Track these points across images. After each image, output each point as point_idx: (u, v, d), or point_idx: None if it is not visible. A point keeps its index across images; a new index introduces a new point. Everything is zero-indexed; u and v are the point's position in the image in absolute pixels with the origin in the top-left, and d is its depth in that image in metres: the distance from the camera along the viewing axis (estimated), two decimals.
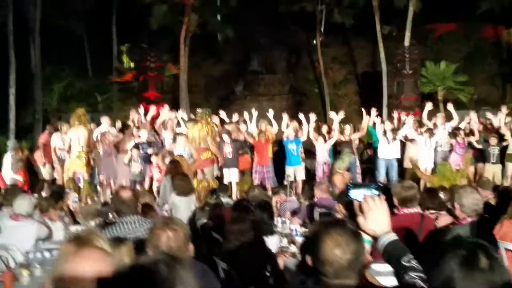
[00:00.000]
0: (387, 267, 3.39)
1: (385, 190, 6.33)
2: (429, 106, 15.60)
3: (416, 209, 5.23)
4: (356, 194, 2.77)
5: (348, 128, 14.86)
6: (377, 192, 2.73)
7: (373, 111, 15.46)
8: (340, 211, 7.39)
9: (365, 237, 2.69)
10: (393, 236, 2.62)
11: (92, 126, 14.57)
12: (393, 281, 3.99)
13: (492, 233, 5.16)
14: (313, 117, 14.97)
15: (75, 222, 9.16)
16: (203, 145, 13.37)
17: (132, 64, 26.36)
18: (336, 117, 14.86)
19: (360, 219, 2.67)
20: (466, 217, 4.89)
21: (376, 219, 2.64)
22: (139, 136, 14.37)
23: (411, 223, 5.01)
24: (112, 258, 2.40)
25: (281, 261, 5.27)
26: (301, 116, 15.07)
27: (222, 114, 15.90)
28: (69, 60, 24.16)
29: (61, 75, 23.53)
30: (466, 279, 2.02)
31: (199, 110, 14.13)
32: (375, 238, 2.71)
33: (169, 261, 1.95)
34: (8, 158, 14.72)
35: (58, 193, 9.04)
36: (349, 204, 7.33)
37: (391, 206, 6.14)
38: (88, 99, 23.81)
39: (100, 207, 10.68)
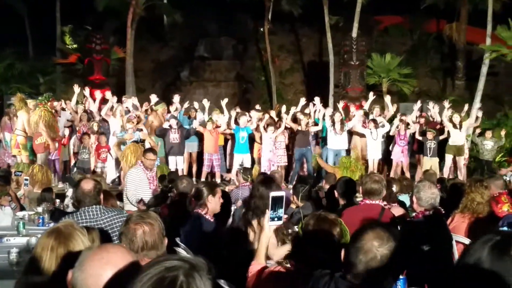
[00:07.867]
0: None
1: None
2: (371, 96, 16.31)
3: (379, 202, 5.34)
4: None
5: (303, 118, 14.87)
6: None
7: (317, 100, 15.86)
8: (294, 202, 7.50)
9: None
10: None
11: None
12: None
13: (446, 225, 5.33)
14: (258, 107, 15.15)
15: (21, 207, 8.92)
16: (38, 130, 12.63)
17: (75, 46, 25.76)
18: (286, 115, 15.04)
19: None
20: (423, 210, 5.03)
21: None
22: None
23: (371, 213, 5.14)
24: None
25: None
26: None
27: (176, 99, 15.67)
28: (10, 41, 23.38)
29: (1, 56, 22.73)
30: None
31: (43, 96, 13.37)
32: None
33: (188, 270, 1.70)
34: None
35: (4, 178, 8.75)
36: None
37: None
38: (30, 80, 23.08)
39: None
